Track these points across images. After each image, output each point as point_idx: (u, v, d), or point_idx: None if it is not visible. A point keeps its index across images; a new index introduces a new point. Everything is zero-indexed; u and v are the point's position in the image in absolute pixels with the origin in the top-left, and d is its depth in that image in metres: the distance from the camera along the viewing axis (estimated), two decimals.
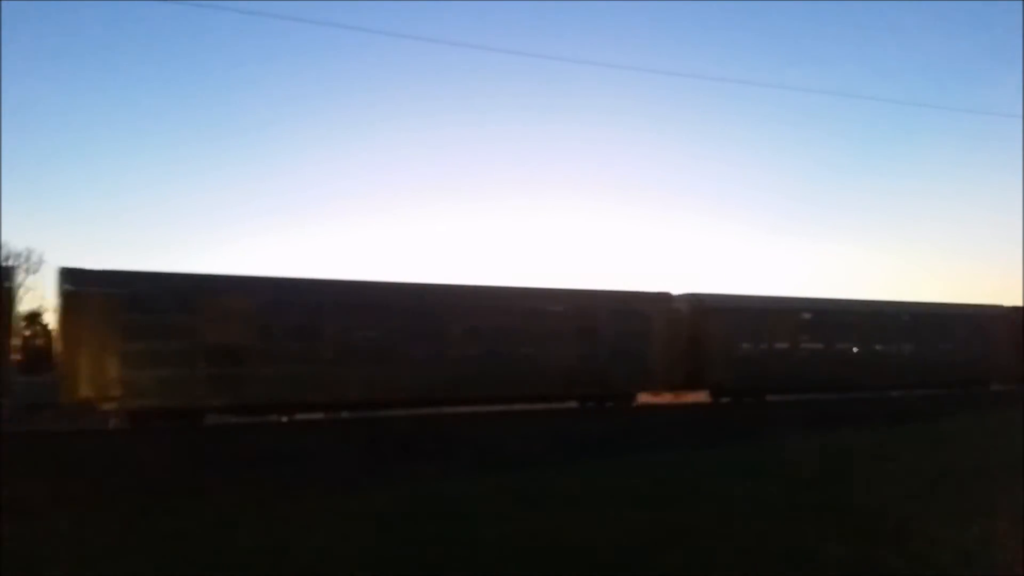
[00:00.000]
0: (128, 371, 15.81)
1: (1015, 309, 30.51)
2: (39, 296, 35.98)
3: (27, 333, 32.93)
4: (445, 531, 6.82)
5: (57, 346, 17.39)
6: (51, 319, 17.33)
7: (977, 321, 29.00)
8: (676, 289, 23.57)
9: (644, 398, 22.52)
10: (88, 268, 16.24)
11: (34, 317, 35.14)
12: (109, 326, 15.74)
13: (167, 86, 57.99)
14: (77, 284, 15.88)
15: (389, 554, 6.13)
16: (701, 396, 23.93)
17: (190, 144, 60.43)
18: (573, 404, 21.35)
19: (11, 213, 54.39)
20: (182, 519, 7.44)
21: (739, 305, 23.96)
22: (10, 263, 33.48)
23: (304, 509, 7.92)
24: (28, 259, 36.61)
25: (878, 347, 26.30)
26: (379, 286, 19.47)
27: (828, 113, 72.38)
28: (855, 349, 25.79)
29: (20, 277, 32.20)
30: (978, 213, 71.41)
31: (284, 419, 18.07)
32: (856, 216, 69.71)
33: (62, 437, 15.50)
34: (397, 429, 16.65)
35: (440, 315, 19.24)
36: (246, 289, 17.51)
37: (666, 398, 23.37)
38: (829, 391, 25.24)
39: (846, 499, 8.31)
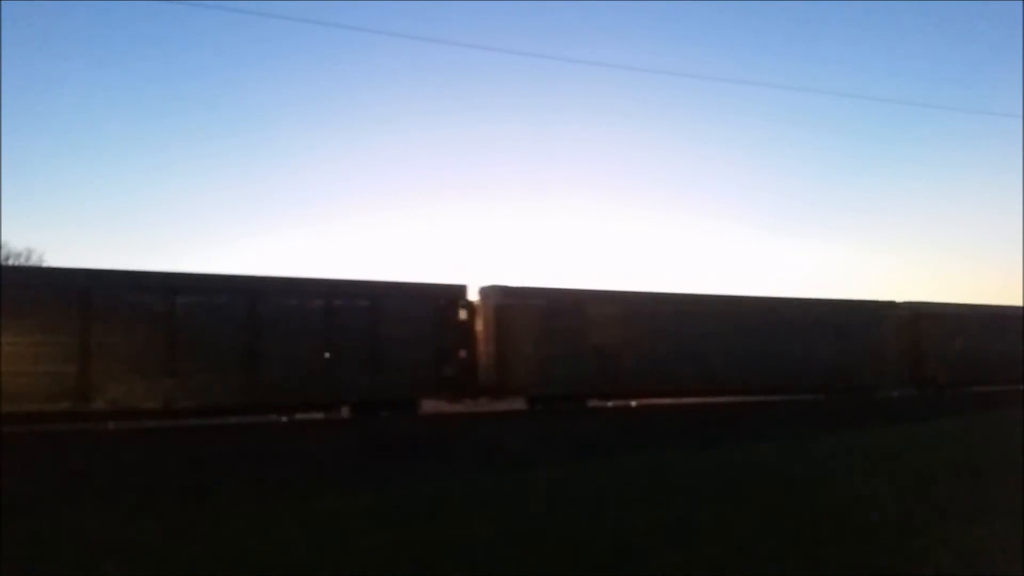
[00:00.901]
0: (541, 366, 20.15)
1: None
2: None
3: None
4: None
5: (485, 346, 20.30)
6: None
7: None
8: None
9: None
10: (512, 285, 20.60)
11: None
12: (530, 331, 20.19)
13: (167, 86, 56.50)
14: (505, 298, 20.11)
15: None
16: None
17: (190, 144, 58.61)
18: None
19: (11, 213, 53.55)
20: None
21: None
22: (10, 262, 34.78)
23: None
24: (28, 259, 36.79)
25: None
26: (703, 298, 23.99)
27: (828, 113, 70.14)
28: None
29: None
30: (978, 213, 69.19)
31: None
32: (856, 216, 67.26)
33: None
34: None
35: (747, 319, 23.72)
36: (617, 301, 21.97)
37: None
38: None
39: None
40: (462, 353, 19.49)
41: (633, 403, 22.36)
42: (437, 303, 19.40)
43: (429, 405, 19.64)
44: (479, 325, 20.26)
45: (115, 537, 6.28)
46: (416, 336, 18.81)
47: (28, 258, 36.84)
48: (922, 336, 27.40)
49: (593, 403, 21.52)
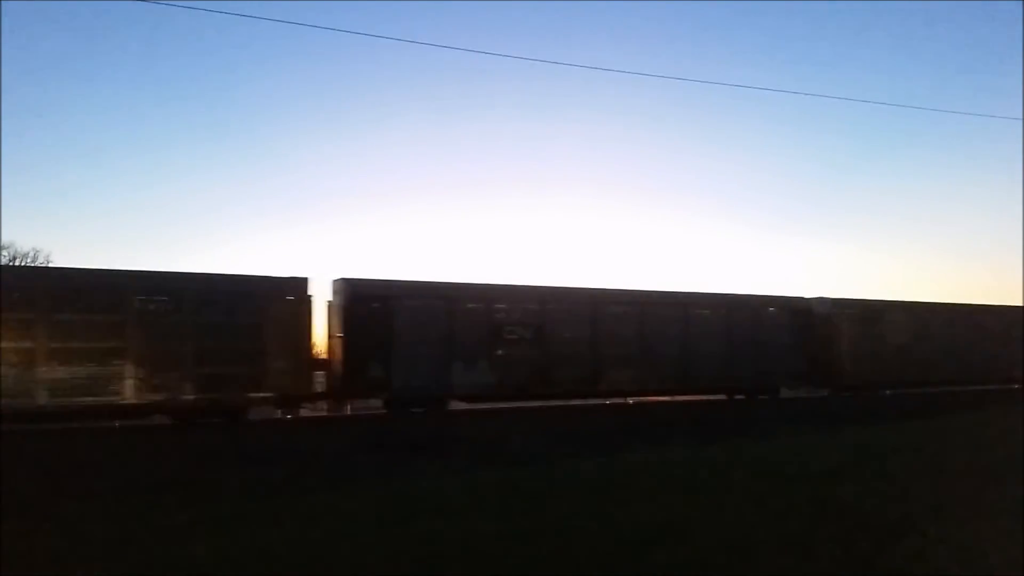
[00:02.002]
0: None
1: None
2: None
3: None
4: None
5: None
6: None
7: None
8: None
9: None
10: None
11: None
12: None
13: (167, 86, 57.40)
14: None
15: None
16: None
17: (191, 144, 59.91)
18: None
19: (16, 214, 54.26)
20: None
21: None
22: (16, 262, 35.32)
23: None
24: (35, 259, 37.29)
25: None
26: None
27: (828, 114, 72.75)
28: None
29: None
30: (978, 214, 70.27)
31: None
32: (856, 217, 68.29)
33: None
34: None
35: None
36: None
37: None
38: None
39: None
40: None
41: None
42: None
43: None
44: None
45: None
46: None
47: (35, 259, 37.24)
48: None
49: None
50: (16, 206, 54.04)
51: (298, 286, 17.89)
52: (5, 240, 38.21)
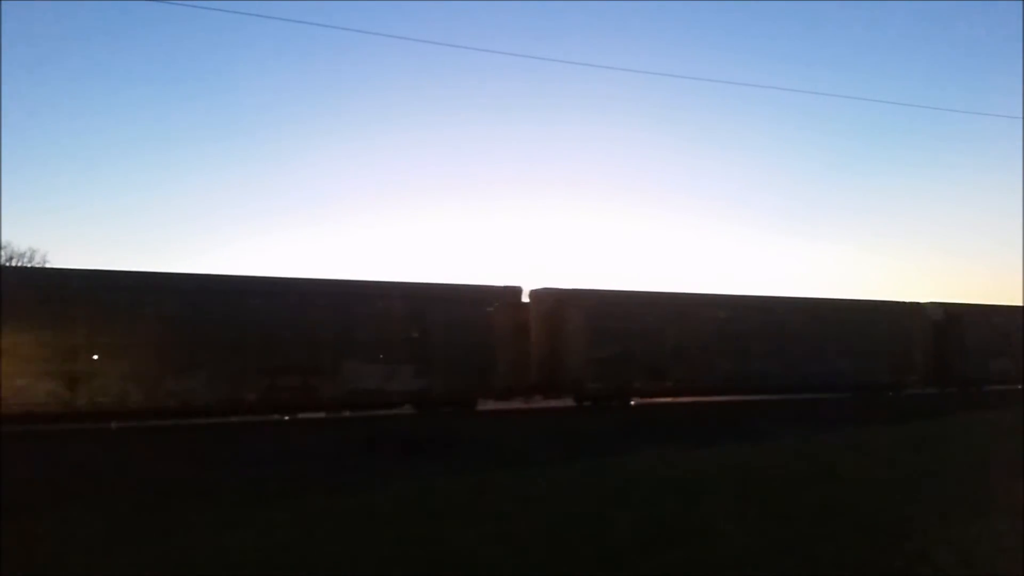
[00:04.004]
0: None
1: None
2: None
3: None
4: None
5: None
6: None
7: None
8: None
9: None
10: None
11: None
12: None
13: (167, 86, 57.66)
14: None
15: None
16: None
17: (191, 144, 59.78)
18: None
19: (13, 213, 54.30)
20: None
21: None
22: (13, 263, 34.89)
23: None
24: (32, 259, 36.97)
25: None
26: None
27: (828, 114, 72.44)
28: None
29: None
30: (978, 214, 70.57)
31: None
32: (856, 217, 68.50)
33: None
34: None
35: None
36: None
37: None
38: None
39: None
40: None
41: None
42: None
43: None
44: None
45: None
46: None
47: (31, 259, 36.82)
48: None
49: None
50: (16, 206, 54.26)
51: (516, 294, 20.77)
52: (4, 240, 37.52)
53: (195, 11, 65.03)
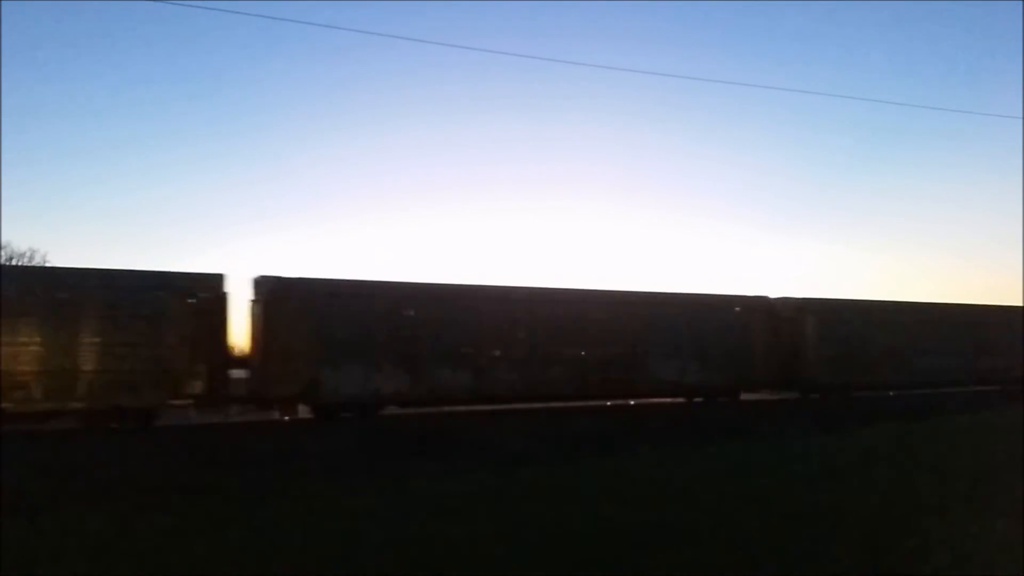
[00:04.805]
0: None
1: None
2: None
3: None
4: None
5: None
6: None
7: None
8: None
9: None
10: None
11: None
12: None
13: (167, 86, 58.97)
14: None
15: None
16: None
17: (191, 144, 61.26)
18: None
19: (13, 213, 54.63)
20: None
21: None
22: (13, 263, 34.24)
23: None
24: (32, 259, 36.15)
25: None
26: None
27: (828, 114, 72.69)
28: None
29: None
30: (978, 214, 70.70)
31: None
32: (855, 216, 69.00)
33: None
34: None
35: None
36: None
37: None
38: None
39: None
40: None
41: None
42: None
43: None
44: None
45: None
46: None
47: (31, 259, 36.00)
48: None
49: None
50: (16, 206, 54.61)
51: (766, 302, 25.19)
52: (4, 240, 36.53)
53: (195, 11, 64.43)
